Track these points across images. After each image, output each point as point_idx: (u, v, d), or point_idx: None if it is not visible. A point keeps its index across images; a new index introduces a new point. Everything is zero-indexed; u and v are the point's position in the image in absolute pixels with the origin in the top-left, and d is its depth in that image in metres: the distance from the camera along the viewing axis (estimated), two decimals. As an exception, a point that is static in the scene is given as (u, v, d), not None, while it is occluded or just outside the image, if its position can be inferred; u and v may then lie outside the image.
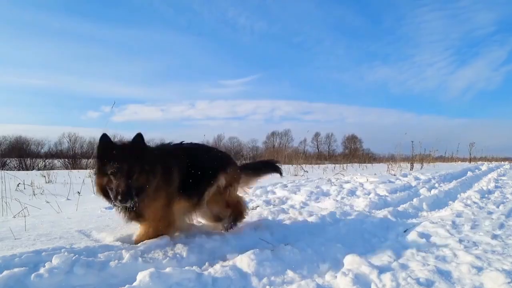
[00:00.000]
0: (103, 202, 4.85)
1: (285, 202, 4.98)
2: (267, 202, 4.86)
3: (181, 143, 2.96)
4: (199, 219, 3.18)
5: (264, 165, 3.61)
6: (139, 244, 2.47)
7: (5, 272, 1.83)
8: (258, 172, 3.46)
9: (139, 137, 2.38)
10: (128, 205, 2.30)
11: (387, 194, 5.76)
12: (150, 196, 2.44)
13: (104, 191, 2.37)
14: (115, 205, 2.42)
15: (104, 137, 2.31)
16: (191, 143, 3.04)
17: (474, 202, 5.18)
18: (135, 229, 2.87)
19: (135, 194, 2.30)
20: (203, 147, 3.18)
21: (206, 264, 2.32)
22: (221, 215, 3.05)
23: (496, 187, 7.55)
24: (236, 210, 3.11)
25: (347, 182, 7.19)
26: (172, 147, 2.89)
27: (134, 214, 2.51)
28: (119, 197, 2.23)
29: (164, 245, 2.48)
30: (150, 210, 2.52)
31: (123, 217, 2.52)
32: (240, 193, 3.26)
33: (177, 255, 2.37)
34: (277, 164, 3.63)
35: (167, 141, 2.96)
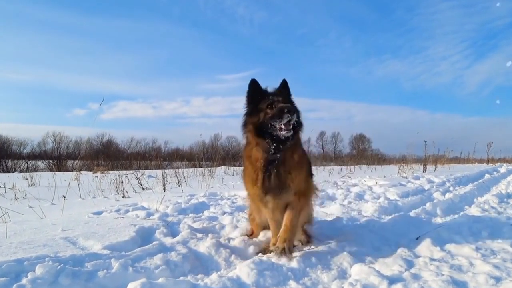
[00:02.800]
0: (90, 207, 4.84)
1: (287, 207, 4.98)
2: (268, 207, 4.86)
3: None
4: None
5: None
6: (129, 252, 2.47)
7: (-16, 283, 1.84)
8: None
9: (285, 82, 2.73)
10: (293, 119, 2.42)
11: (398, 198, 5.76)
12: (297, 145, 2.66)
13: (258, 128, 2.52)
14: (273, 144, 2.48)
15: (254, 81, 2.66)
16: None
17: (492, 207, 5.18)
18: (125, 235, 2.87)
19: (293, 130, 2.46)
20: None
21: (202, 274, 2.32)
22: None
23: (516, 190, 7.55)
24: None
25: (355, 185, 7.19)
26: None
27: (278, 181, 2.55)
28: (286, 110, 2.38)
29: (156, 253, 2.48)
30: (296, 176, 2.61)
31: (261, 188, 2.57)
32: None
33: (170, 264, 2.38)
34: None
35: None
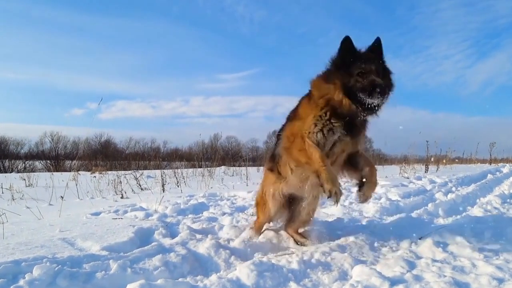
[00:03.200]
0: (88, 208, 4.84)
1: (287, 208, 4.98)
2: (268, 208, 4.86)
3: None
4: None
5: None
6: (128, 253, 2.47)
7: (-19, 284, 1.84)
8: None
9: (378, 41, 2.60)
10: (384, 101, 2.41)
11: (399, 198, 5.76)
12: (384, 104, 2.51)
13: (346, 89, 2.42)
14: (362, 106, 2.42)
15: (347, 38, 2.49)
16: None
17: (495, 208, 5.18)
18: (123, 236, 2.87)
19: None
20: None
21: (201, 275, 2.32)
22: None
23: (519, 191, 7.54)
24: None
25: (356, 185, 7.17)
26: None
27: (355, 131, 2.59)
28: (378, 90, 2.31)
29: (155, 254, 2.48)
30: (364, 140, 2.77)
31: (338, 130, 2.53)
32: None
33: (170, 265, 2.38)
34: None
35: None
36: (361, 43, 2.58)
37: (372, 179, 2.72)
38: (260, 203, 3.20)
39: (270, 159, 3.09)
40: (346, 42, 2.50)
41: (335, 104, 2.50)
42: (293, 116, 2.81)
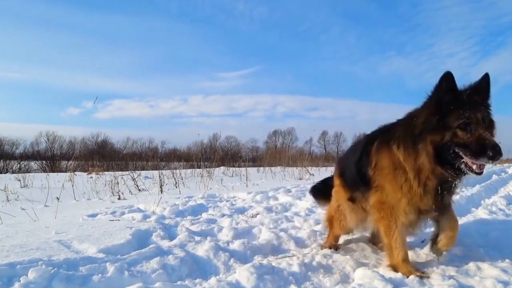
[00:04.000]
0: (85, 209, 4.84)
1: (288, 209, 4.99)
2: (269, 209, 4.87)
3: None
4: None
5: None
6: (125, 256, 2.47)
7: (-25, 287, 1.84)
8: None
9: (487, 78, 2.10)
10: (493, 163, 2.08)
11: (402, 200, 5.75)
12: None
13: (439, 151, 2.03)
14: (459, 168, 2.03)
15: (449, 75, 2.00)
16: None
17: (500, 209, 5.18)
18: (121, 238, 2.87)
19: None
20: None
21: (200, 278, 2.33)
22: None
23: (525, 192, 7.54)
24: None
25: (358, 186, 7.17)
26: None
27: (444, 201, 2.26)
28: (491, 153, 1.85)
29: (152, 256, 2.49)
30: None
31: (428, 202, 2.23)
32: None
33: (168, 268, 2.38)
34: None
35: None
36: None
37: (452, 233, 2.41)
38: (329, 221, 3.05)
39: (351, 183, 2.72)
40: (447, 82, 2.01)
41: (426, 175, 2.15)
42: (380, 172, 2.38)
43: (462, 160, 2.00)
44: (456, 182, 2.22)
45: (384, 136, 2.38)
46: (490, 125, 2.08)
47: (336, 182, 2.93)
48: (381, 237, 2.45)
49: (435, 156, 2.06)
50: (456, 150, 2.00)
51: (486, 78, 2.11)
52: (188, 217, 4.25)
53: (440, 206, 2.31)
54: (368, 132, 2.71)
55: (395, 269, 2.34)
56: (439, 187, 2.21)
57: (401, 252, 2.32)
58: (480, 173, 2.01)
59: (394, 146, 2.25)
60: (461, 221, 4.52)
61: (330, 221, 3.02)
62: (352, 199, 2.72)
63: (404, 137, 2.19)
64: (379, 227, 2.43)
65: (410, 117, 2.23)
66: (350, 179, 2.71)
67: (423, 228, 2.67)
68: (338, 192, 2.89)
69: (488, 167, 18.18)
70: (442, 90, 2.03)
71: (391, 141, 2.28)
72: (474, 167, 1.99)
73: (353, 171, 2.61)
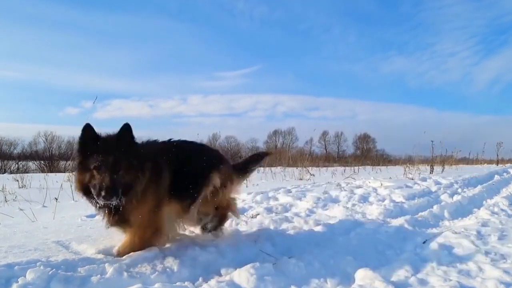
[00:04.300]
0: (83, 210, 4.84)
1: (288, 210, 4.99)
2: (269, 210, 4.87)
3: (169, 140, 3.00)
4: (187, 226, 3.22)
5: (251, 158, 3.67)
6: (124, 257, 2.47)
7: (-27, 289, 1.84)
8: (246, 167, 3.50)
9: (126, 128, 2.42)
10: (113, 202, 2.30)
11: (403, 200, 5.76)
12: (137, 196, 2.46)
13: (85, 189, 2.39)
14: (97, 205, 2.42)
15: (87, 127, 2.37)
16: (179, 140, 3.08)
17: (502, 210, 5.18)
18: (119, 240, 2.87)
19: (122, 192, 2.32)
20: (194, 144, 3.22)
21: (200, 279, 2.33)
22: (205, 217, 3.13)
23: (527, 192, 7.54)
24: (224, 212, 3.23)
25: (359, 187, 7.19)
26: (161, 144, 2.94)
27: (118, 218, 2.51)
28: (102, 193, 2.23)
29: (152, 257, 2.48)
30: (137, 213, 2.53)
31: (105, 222, 2.54)
32: (232, 194, 3.33)
33: (167, 269, 2.38)
34: (263, 152, 3.87)
35: (154, 138, 2.99)
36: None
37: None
38: None
39: None
40: (86, 131, 2.38)
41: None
42: None
43: (97, 197, 2.32)
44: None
45: None
46: (121, 166, 2.35)
47: None
48: None
49: (83, 193, 2.45)
50: (93, 190, 2.33)
51: (124, 128, 2.42)
52: (188, 218, 4.25)
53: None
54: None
55: None
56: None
57: None
58: (109, 204, 2.35)
59: None
60: (463, 221, 4.53)
61: None
62: None
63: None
64: None
65: None
66: None
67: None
68: None
69: (491, 167, 18.18)
70: (83, 140, 2.39)
71: None
72: (101, 203, 2.36)
73: None
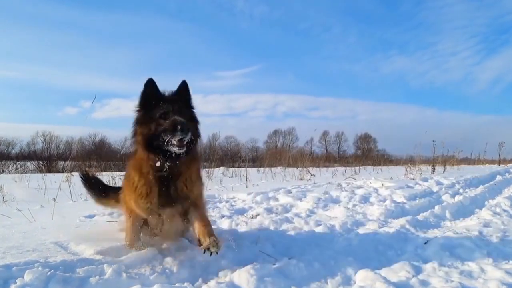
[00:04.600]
0: (82, 210, 4.83)
1: (289, 210, 4.99)
2: (269, 210, 4.87)
3: None
4: None
5: None
6: (122, 257, 2.47)
7: (-29, 290, 1.84)
8: None
9: (185, 85, 2.57)
10: (186, 139, 2.28)
11: (405, 201, 5.76)
12: (196, 154, 2.57)
13: (149, 141, 2.35)
14: (167, 155, 2.33)
15: (150, 81, 2.44)
16: None
17: (504, 210, 5.18)
18: (119, 240, 2.87)
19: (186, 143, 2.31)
20: None
21: (200, 280, 2.33)
22: None
23: (529, 193, 7.54)
24: None
25: (360, 187, 7.19)
26: None
27: (174, 191, 2.46)
28: (178, 127, 2.22)
29: (151, 258, 2.48)
30: (196, 186, 2.60)
31: (156, 199, 2.44)
32: None
33: (166, 270, 2.38)
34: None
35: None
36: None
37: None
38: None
39: None
40: (149, 86, 2.44)
41: (144, 172, 2.45)
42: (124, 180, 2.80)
43: (168, 142, 2.27)
44: (175, 172, 2.45)
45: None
46: (191, 119, 2.47)
47: None
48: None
49: (146, 146, 2.36)
50: (162, 136, 2.29)
51: (183, 84, 2.56)
52: (187, 218, 4.25)
53: (167, 203, 2.50)
54: None
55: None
56: (161, 181, 2.44)
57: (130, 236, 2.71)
58: (182, 147, 2.29)
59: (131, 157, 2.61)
60: (464, 222, 4.53)
61: None
62: None
63: (132, 144, 2.55)
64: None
65: (133, 121, 2.54)
66: None
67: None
68: None
69: (493, 167, 18.18)
70: (145, 93, 2.44)
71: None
72: (175, 145, 2.27)
73: None
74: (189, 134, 2.28)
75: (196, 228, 2.52)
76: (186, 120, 2.33)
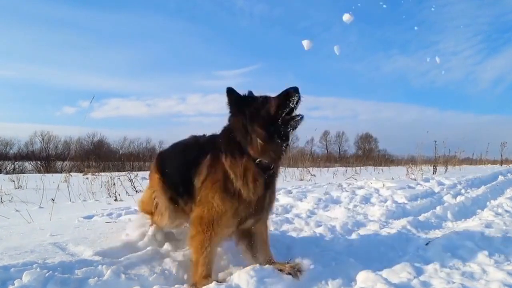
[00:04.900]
0: (80, 211, 4.83)
1: (289, 211, 4.99)
2: (269, 211, 4.87)
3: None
4: None
5: None
6: (122, 259, 2.47)
7: (-32, 291, 1.84)
8: None
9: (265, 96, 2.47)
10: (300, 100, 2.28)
11: (406, 201, 5.76)
12: (287, 152, 2.47)
13: (269, 129, 2.28)
14: (283, 143, 2.32)
15: (230, 89, 2.42)
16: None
17: (506, 211, 5.19)
18: (117, 240, 2.87)
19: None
20: None
21: (199, 281, 2.32)
22: None
23: (531, 193, 7.55)
24: None
25: (361, 187, 7.19)
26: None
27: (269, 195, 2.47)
28: (292, 89, 2.27)
29: (150, 259, 2.49)
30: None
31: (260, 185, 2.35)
32: None
33: (165, 271, 2.38)
34: None
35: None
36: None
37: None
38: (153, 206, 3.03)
39: (172, 185, 2.80)
40: (231, 92, 2.42)
41: (252, 171, 2.34)
42: (207, 186, 2.48)
43: (287, 117, 2.28)
44: (276, 171, 2.49)
45: (215, 150, 2.48)
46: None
47: (155, 175, 2.91)
48: (191, 253, 2.43)
49: (268, 135, 2.27)
50: (280, 113, 2.28)
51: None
52: (187, 219, 4.25)
53: (263, 208, 2.47)
54: (203, 135, 2.84)
55: (195, 286, 2.30)
56: (265, 178, 2.37)
57: (206, 270, 2.33)
58: (299, 114, 2.30)
59: (222, 157, 2.40)
60: (466, 223, 4.53)
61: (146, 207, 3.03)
62: (173, 200, 2.77)
63: (227, 146, 2.40)
64: (191, 243, 2.41)
65: (227, 130, 2.48)
66: (172, 182, 2.78)
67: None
68: (158, 187, 2.88)
69: (495, 167, 18.18)
70: (234, 98, 2.41)
71: (220, 154, 2.42)
72: (295, 112, 2.30)
73: (177, 177, 2.71)
74: (298, 90, 2.29)
75: (261, 244, 2.59)
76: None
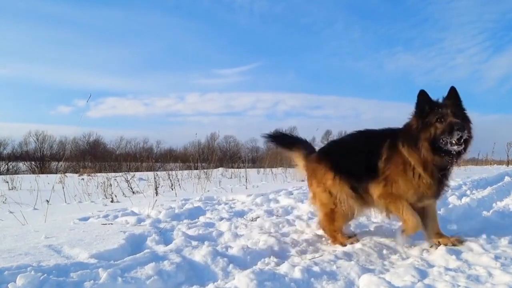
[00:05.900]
0: (76, 213, 4.84)
1: (290, 213, 5.00)
2: (269, 213, 4.87)
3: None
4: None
5: None
6: (118, 261, 2.47)
7: (-39, 294, 1.84)
8: None
9: (454, 90, 2.95)
10: (464, 137, 2.71)
11: (410, 202, 5.76)
12: (467, 152, 2.95)
13: (432, 144, 2.80)
14: (451, 154, 2.80)
15: (423, 92, 2.91)
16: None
17: (513, 212, 5.18)
18: (114, 243, 2.88)
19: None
20: None
21: (197, 285, 2.33)
22: None
23: (539, 194, 7.54)
24: None
25: (363, 188, 7.18)
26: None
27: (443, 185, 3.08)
28: (455, 127, 2.66)
29: (147, 261, 2.49)
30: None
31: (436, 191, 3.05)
32: None
33: (163, 274, 2.38)
34: None
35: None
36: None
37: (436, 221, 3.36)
38: (337, 208, 3.46)
39: (352, 174, 3.29)
40: (421, 97, 2.90)
41: (431, 165, 2.92)
42: (390, 166, 3.07)
43: (447, 142, 2.73)
44: (451, 168, 3.00)
45: (393, 137, 3.08)
46: (464, 119, 2.88)
47: (328, 176, 3.33)
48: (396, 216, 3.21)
49: (431, 150, 2.82)
50: (442, 138, 2.75)
51: (452, 90, 2.97)
52: (185, 221, 4.25)
53: (439, 193, 3.11)
54: (359, 129, 3.45)
55: (411, 231, 3.09)
56: (439, 174, 2.95)
57: (413, 219, 3.03)
58: (460, 145, 2.74)
59: (400, 145, 2.99)
60: (471, 225, 4.52)
61: (331, 215, 3.36)
62: (353, 189, 3.26)
63: (406, 138, 2.98)
64: (390, 210, 3.16)
65: (408, 125, 3.03)
66: (354, 171, 3.25)
67: None
68: (333, 186, 3.30)
69: (501, 168, 18.16)
70: (420, 102, 2.93)
71: (398, 142, 3.02)
72: (454, 143, 2.72)
73: (362, 162, 3.20)
74: (465, 132, 2.71)
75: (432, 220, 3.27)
76: (460, 120, 2.76)
